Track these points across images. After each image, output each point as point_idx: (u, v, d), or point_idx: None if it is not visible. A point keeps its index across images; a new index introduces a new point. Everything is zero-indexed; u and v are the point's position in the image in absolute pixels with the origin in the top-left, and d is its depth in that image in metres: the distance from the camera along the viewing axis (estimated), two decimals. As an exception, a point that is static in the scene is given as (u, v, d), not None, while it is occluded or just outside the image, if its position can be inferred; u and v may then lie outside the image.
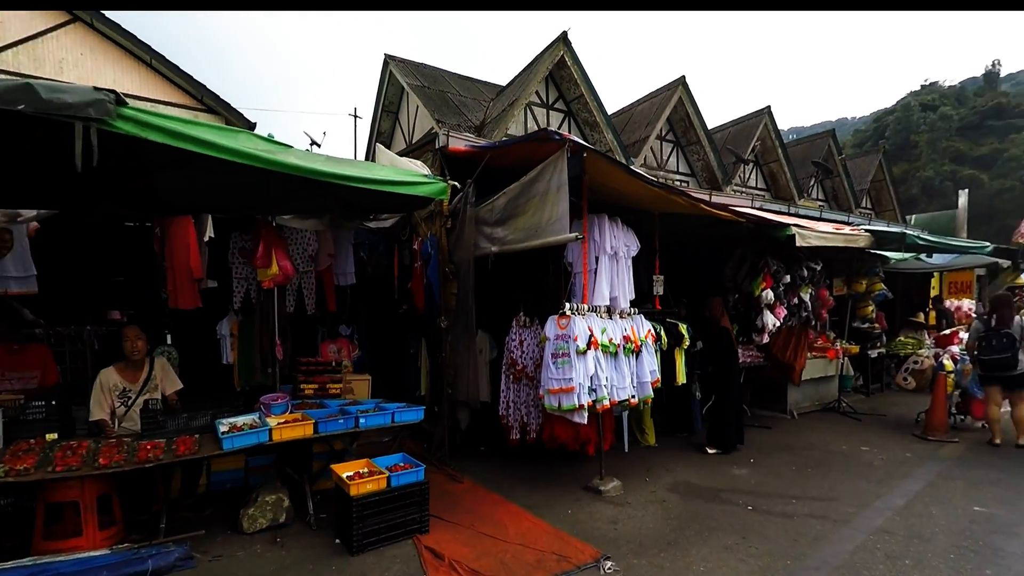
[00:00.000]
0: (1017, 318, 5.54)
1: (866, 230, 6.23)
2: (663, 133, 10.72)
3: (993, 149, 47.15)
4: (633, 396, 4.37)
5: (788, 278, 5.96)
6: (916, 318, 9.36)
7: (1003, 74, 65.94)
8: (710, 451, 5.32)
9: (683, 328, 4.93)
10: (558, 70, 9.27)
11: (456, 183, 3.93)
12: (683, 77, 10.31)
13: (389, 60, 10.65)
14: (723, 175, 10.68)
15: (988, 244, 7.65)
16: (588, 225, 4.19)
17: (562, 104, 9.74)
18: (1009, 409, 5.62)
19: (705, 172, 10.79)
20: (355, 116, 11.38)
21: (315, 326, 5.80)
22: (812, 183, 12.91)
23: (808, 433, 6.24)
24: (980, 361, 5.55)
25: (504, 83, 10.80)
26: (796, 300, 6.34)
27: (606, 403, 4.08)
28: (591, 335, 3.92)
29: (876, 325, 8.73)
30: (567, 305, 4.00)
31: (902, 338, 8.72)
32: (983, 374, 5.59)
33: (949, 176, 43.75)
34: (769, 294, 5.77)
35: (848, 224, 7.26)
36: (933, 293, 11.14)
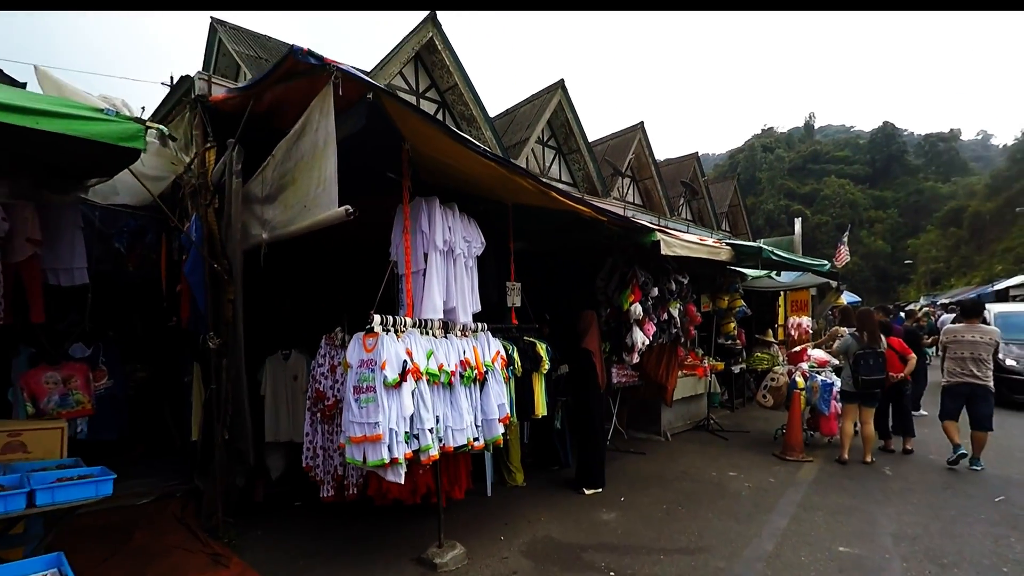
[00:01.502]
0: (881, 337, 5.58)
1: (727, 243, 6.10)
2: (545, 138, 10.25)
3: (813, 188, 57.40)
4: (476, 439, 3.33)
5: (656, 291, 5.50)
6: (764, 336, 9.87)
7: (817, 125, 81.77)
8: (587, 492, 4.64)
9: (541, 348, 4.05)
10: (428, 54, 8.24)
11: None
12: (562, 80, 9.97)
13: (217, 25, 8.69)
14: (602, 186, 10.52)
15: (826, 262, 8.24)
16: (412, 210, 3.10)
17: (435, 94, 8.71)
18: (857, 425, 5.77)
19: (586, 183, 10.54)
20: (170, 84, 9.05)
21: (12, 345, 3.83)
22: (681, 202, 13.55)
23: (680, 458, 5.85)
24: (860, 380, 5.32)
25: (369, 68, 9.47)
26: (666, 316, 5.94)
27: (434, 453, 2.97)
28: (407, 361, 2.79)
29: (738, 341, 8.92)
30: (376, 319, 2.83)
31: (758, 354, 9.09)
32: (856, 391, 5.44)
33: (784, 210, 51.78)
34: (638, 308, 5.23)
35: (711, 238, 7.22)
36: (779, 311, 12.13)
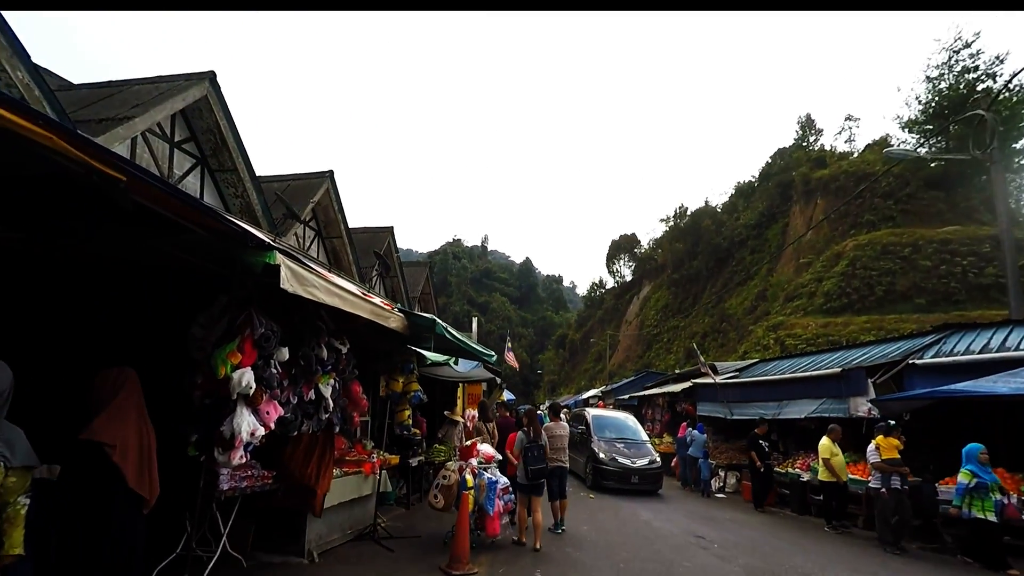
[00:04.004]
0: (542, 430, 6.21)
1: (400, 310, 4.92)
2: (177, 137, 7.22)
3: (485, 300, 68.96)
4: None
5: (285, 354, 3.48)
6: (452, 414, 9.09)
7: (490, 247, 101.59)
8: None
9: None
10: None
11: None
12: (212, 72, 7.31)
13: None
14: (269, 223, 8.08)
15: (493, 353, 8.21)
16: None
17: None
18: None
19: (246, 215, 7.88)
20: None
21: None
22: (374, 276, 12.33)
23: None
24: (529, 471, 5.84)
25: None
26: (312, 395, 3.95)
27: None
28: None
29: (417, 431, 7.91)
30: None
31: (437, 445, 8.18)
32: (527, 483, 5.89)
33: (467, 314, 59.55)
34: (246, 377, 3.04)
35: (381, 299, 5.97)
36: (459, 403, 11.90)
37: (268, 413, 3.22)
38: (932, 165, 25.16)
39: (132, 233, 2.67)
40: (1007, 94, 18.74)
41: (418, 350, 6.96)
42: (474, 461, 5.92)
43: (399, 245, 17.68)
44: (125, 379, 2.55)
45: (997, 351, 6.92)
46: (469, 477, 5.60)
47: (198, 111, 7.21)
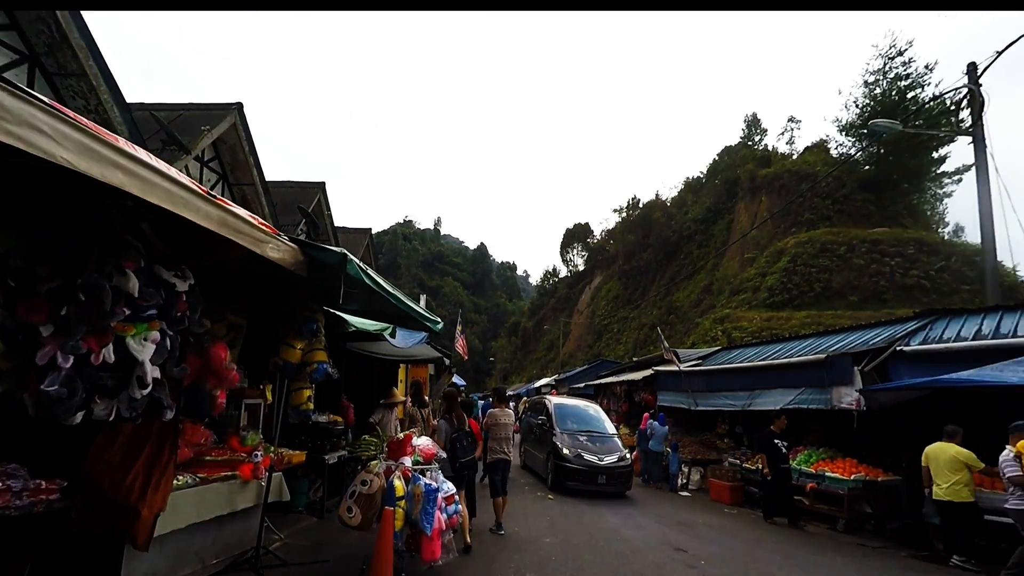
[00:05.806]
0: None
1: (291, 239, 3.23)
2: None
3: (437, 284, 66.65)
4: None
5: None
6: (391, 397, 7.34)
7: (442, 231, 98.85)
8: None
9: None
10: None
11: None
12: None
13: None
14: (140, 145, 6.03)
15: (440, 320, 6.55)
16: None
17: None
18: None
19: (102, 132, 5.77)
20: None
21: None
22: (299, 233, 10.31)
23: None
24: (459, 463, 5.35)
25: None
26: (110, 356, 2.29)
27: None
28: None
29: (338, 419, 6.62)
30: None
31: (366, 437, 6.53)
32: (454, 475, 5.19)
33: (416, 297, 57.28)
34: None
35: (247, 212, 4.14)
36: (400, 386, 10.28)
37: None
38: (866, 168, 26.32)
39: None
40: (931, 104, 19.55)
41: (339, 314, 5.37)
42: (407, 460, 4.42)
43: (346, 224, 15.42)
44: None
45: (992, 338, 6.35)
46: (399, 483, 4.09)
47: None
